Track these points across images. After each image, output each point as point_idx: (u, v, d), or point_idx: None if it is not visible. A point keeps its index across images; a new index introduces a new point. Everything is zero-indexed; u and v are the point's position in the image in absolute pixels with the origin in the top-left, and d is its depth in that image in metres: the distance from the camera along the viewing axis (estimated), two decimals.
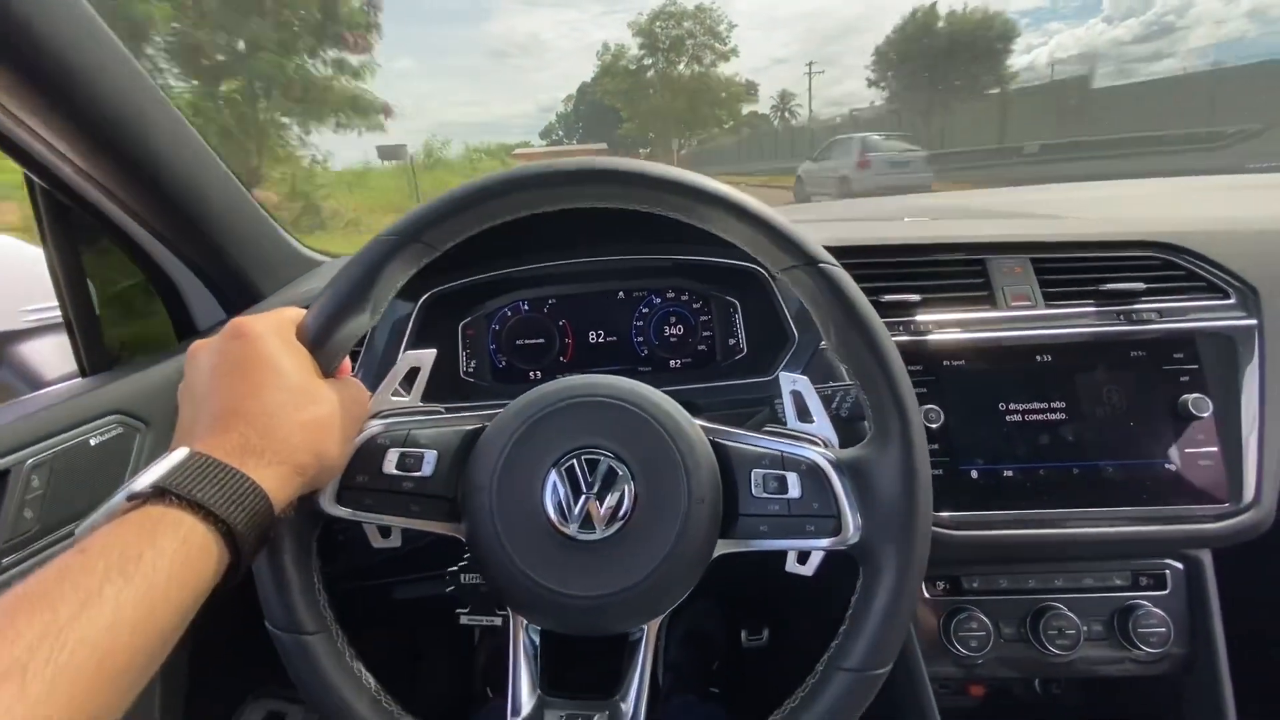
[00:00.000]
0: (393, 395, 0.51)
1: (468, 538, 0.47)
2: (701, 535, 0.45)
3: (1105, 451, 0.69)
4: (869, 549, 0.45)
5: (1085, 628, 0.71)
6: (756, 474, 0.47)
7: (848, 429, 0.71)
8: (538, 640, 0.49)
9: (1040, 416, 0.70)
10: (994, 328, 0.71)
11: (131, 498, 0.32)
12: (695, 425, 0.48)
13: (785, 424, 0.51)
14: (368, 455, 0.46)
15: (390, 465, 0.46)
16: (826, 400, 0.69)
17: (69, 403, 0.63)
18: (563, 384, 0.49)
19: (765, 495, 0.46)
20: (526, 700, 0.47)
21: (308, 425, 0.40)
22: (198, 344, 0.42)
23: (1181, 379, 0.69)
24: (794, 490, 0.46)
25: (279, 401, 0.39)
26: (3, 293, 0.75)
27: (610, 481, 0.45)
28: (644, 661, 0.47)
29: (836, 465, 0.46)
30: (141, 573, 0.29)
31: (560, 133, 72.44)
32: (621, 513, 0.44)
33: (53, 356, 0.79)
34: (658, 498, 0.45)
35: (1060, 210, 0.91)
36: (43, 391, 0.69)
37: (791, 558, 0.48)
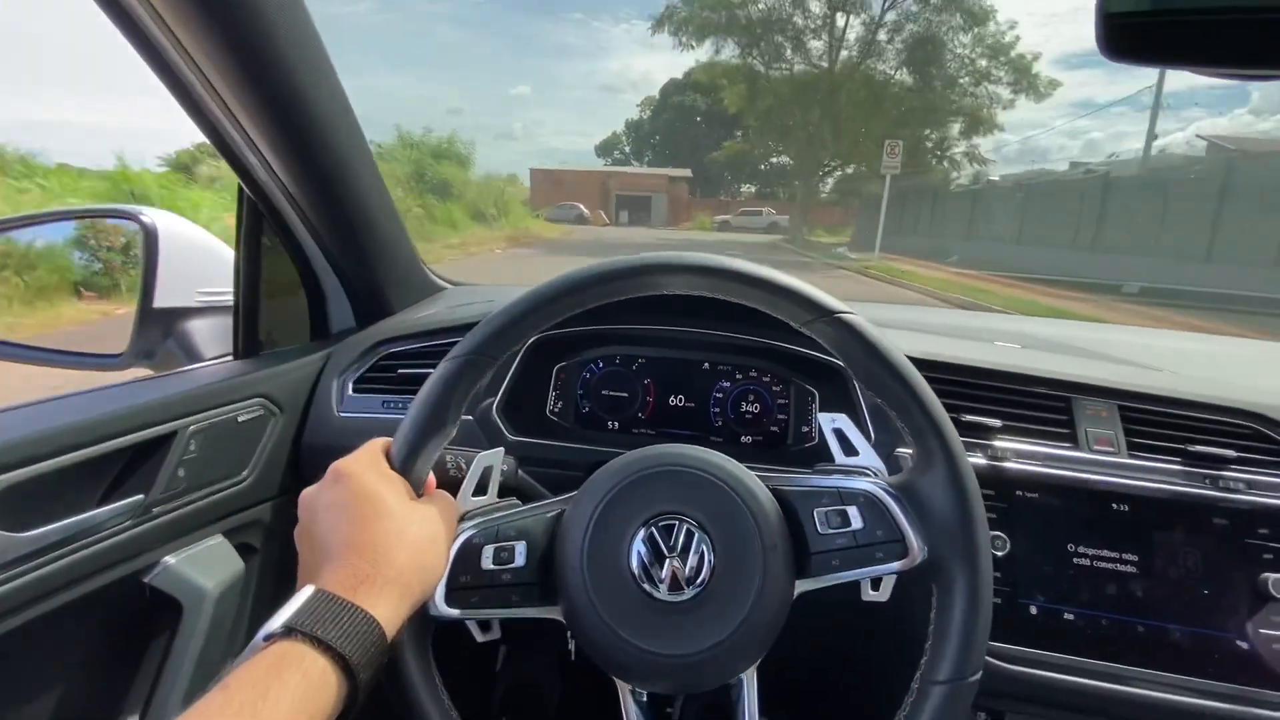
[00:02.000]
0: (473, 495, 0.55)
1: (566, 616, 0.51)
2: (780, 579, 0.49)
3: (1174, 615, 0.68)
4: (937, 564, 0.48)
5: None
6: (819, 512, 0.50)
7: None
8: (645, 699, 0.52)
9: (1110, 565, 0.70)
10: (1074, 467, 0.72)
11: (268, 638, 0.37)
12: (754, 477, 0.52)
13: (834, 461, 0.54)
14: (467, 555, 0.51)
15: (488, 561, 0.50)
16: None
17: (226, 381, 0.73)
18: (625, 460, 0.54)
19: (831, 531, 0.50)
20: None
21: (410, 546, 0.45)
22: (305, 493, 0.48)
23: (1264, 555, 0.68)
24: (856, 522, 0.49)
25: (383, 530, 0.44)
26: (187, 273, 0.87)
27: (688, 543, 0.49)
28: (749, 707, 0.51)
29: (890, 491, 0.50)
30: (268, 708, 0.33)
31: (627, 148, 53.29)
32: (704, 571, 0.49)
33: (209, 335, 0.90)
34: (734, 551, 0.49)
35: (1156, 360, 0.92)
36: (204, 366, 0.80)
37: (866, 587, 0.51)
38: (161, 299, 0.82)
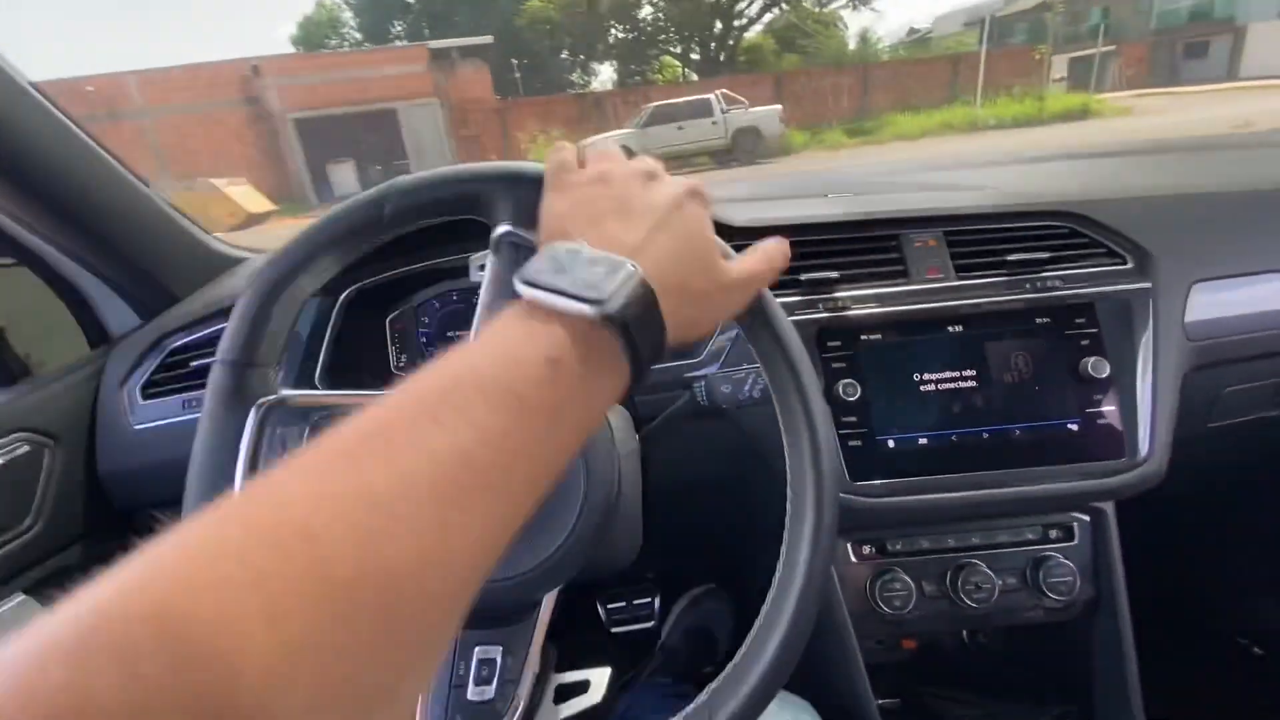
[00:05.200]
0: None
1: None
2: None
3: (1014, 416, 0.72)
4: None
5: (1000, 581, 0.75)
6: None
7: (758, 408, 0.72)
8: None
9: (952, 385, 0.73)
10: (907, 300, 0.73)
11: (605, 317, 0.29)
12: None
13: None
14: None
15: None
16: (739, 383, 0.71)
17: None
18: None
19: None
20: None
21: (711, 324, 0.38)
22: (646, 164, 0.39)
23: (1082, 343, 0.73)
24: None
25: (710, 302, 0.37)
26: None
27: None
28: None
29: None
30: (588, 406, 0.29)
31: (353, 23, 25.69)
32: None
33: None
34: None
35: (978, 182, 0.93)
36: None
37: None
38: None
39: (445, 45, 15.37)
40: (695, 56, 22.10)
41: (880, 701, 0.79)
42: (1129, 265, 0.75)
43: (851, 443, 0.72)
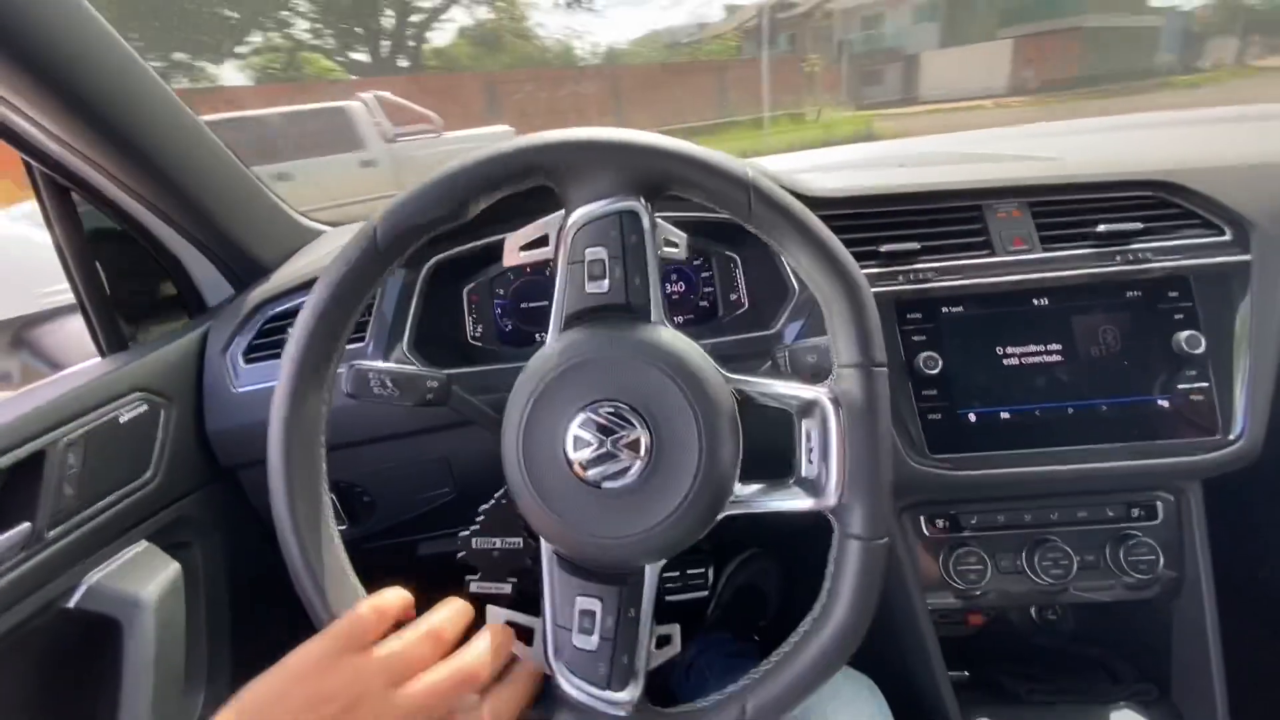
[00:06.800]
0: None
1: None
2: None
3: (1100, 390, 0.71)
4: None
5: (1078, 558, 0.74)
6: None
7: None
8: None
9: (1037, 359, 0.72)
10: (991, 273, 0.72)
11: None
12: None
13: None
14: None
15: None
16: (824, 352, 0.71)
17: (93, 383, 0.65)
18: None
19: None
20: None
21: None
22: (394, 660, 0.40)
23: (1176, 317, 0.70)
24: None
25: None
26: (12, 274, 0.76)
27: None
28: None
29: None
30: None
31: None
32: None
33: (69, 339, 0.80)
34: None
35: (1059, 151, 0.91)
36: (66, 373, 0.71)
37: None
38: None
39: None
40: (363, 58, 13.57)
41: (949, 674, 0.79)
42: (1226, 236, 0.72)
43: (931, 415, 0.71)
